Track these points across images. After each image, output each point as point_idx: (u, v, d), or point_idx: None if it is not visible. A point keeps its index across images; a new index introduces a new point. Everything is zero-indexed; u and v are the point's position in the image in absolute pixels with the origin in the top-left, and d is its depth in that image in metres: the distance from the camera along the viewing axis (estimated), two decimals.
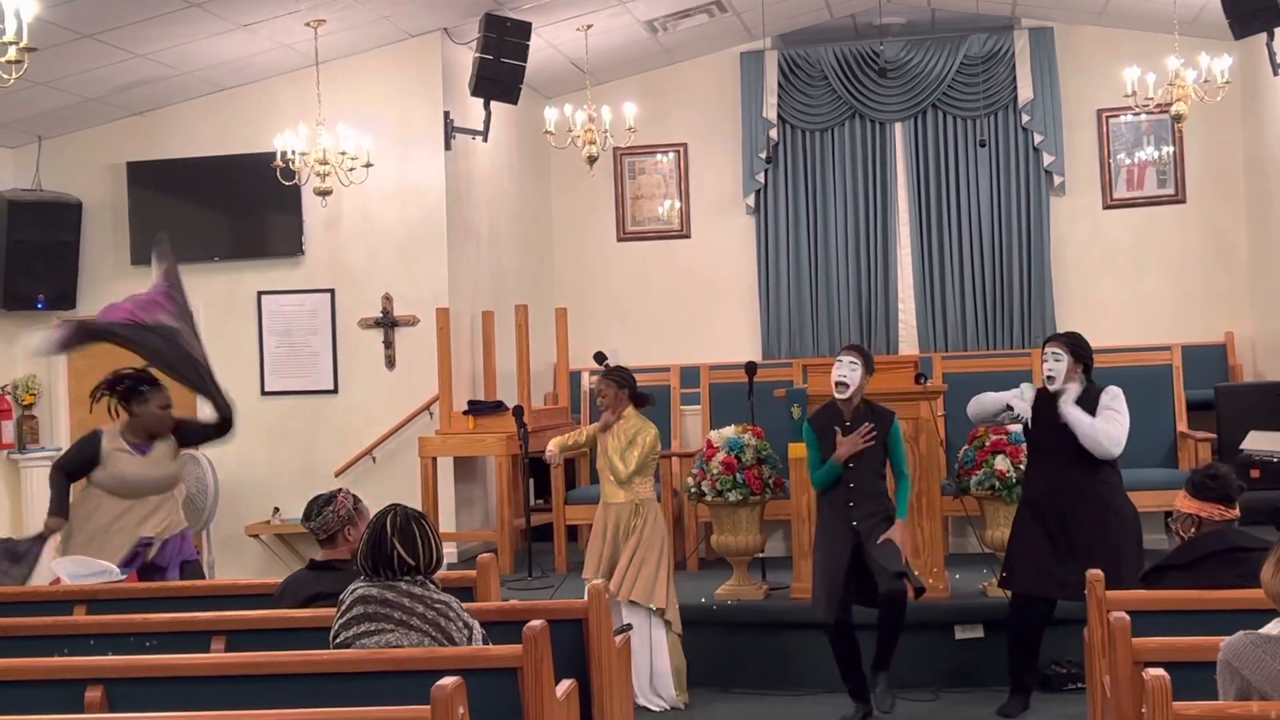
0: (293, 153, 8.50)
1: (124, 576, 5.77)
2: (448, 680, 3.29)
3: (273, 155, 8.58)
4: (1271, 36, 8.73)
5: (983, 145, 10.88)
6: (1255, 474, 7.52)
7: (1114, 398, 6.09)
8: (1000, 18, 10.97)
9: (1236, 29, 8.63)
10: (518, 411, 8.47)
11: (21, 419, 9.65)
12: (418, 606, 3.94)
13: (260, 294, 9.56)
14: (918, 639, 6.47)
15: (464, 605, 4.07)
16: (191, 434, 6.51)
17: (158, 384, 6.30)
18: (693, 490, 7.43)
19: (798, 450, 7.08)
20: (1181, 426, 8.39)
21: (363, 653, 3.88)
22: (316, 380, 9.50)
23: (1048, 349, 6.20)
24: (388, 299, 9.37)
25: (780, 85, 11.22)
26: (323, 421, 9.44)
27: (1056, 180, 10.93)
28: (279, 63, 9.19)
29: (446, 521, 8.98)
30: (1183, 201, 10.86)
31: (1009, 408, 6.22)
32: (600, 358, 8.08)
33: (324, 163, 8.52)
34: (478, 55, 8.88)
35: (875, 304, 11.13)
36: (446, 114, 9.32)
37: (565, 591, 7.54)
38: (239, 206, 9.51)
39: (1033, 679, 6.38)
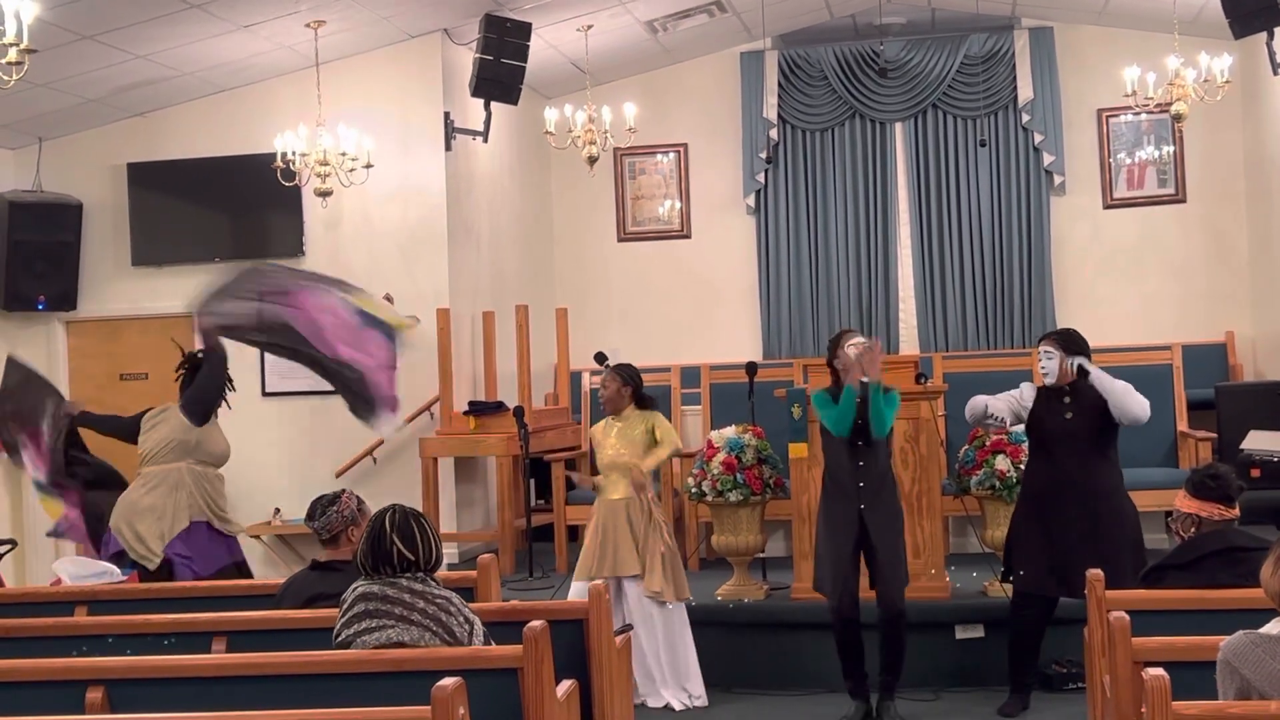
0: (293, 153, 8.51)
1: (125, 577, 5.78)
2: (448, 681, 3.30)
3: (273, 156, 8.59)
4: (1271, 36, 8.73)
5: (983, 145, 10.88)
6: (1255, 473, 7.52)
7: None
8: (1000, 17, 10.98)
9: (1236, 28, 8.63)
10: (518, 412, 8.47)
11: None
12: (419, 602, 3.96)
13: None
14: (918, 639, 6.47)
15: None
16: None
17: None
18: (693, 490, 7.43)
19: (798, 450, 7.09)
20: (1182, 426, 8.39)
21: (363, 653, 3.89)
22: (317, 381, 9.43)
23: (1040, 348, 6.20)
24: (388, 299, 9.36)
25: (780, 85, 11.23)
26: (323, 422, 9.43)
27: (1057, 180, 10.94)
28: (279, 64, 9.20)
29: (447, 522, 8.98)
30: (1183, 201, 10.86)
31: (990, 415, 6.19)
32: (601, 358, 8.08)
33: (324, 163, 8.52)
34: (478, 56, 8.89)
35: (875, 304, 11.13)
36: (447, 115, 9.32)
37: (566, 592, 7.54)
38: (239, 207, 9.51)
39: (1033, 678, 6.38)
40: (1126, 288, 10.85)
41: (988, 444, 7.10)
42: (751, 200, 11.31)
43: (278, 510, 9.19)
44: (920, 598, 6.61)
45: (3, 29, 5.39)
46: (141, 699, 3.81)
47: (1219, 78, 8.76)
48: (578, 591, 6.43)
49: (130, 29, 8.00)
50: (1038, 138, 10.90)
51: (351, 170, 8.67)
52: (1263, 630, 3.28)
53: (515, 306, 9.43)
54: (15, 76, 5.47)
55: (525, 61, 8.99)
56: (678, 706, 6.58)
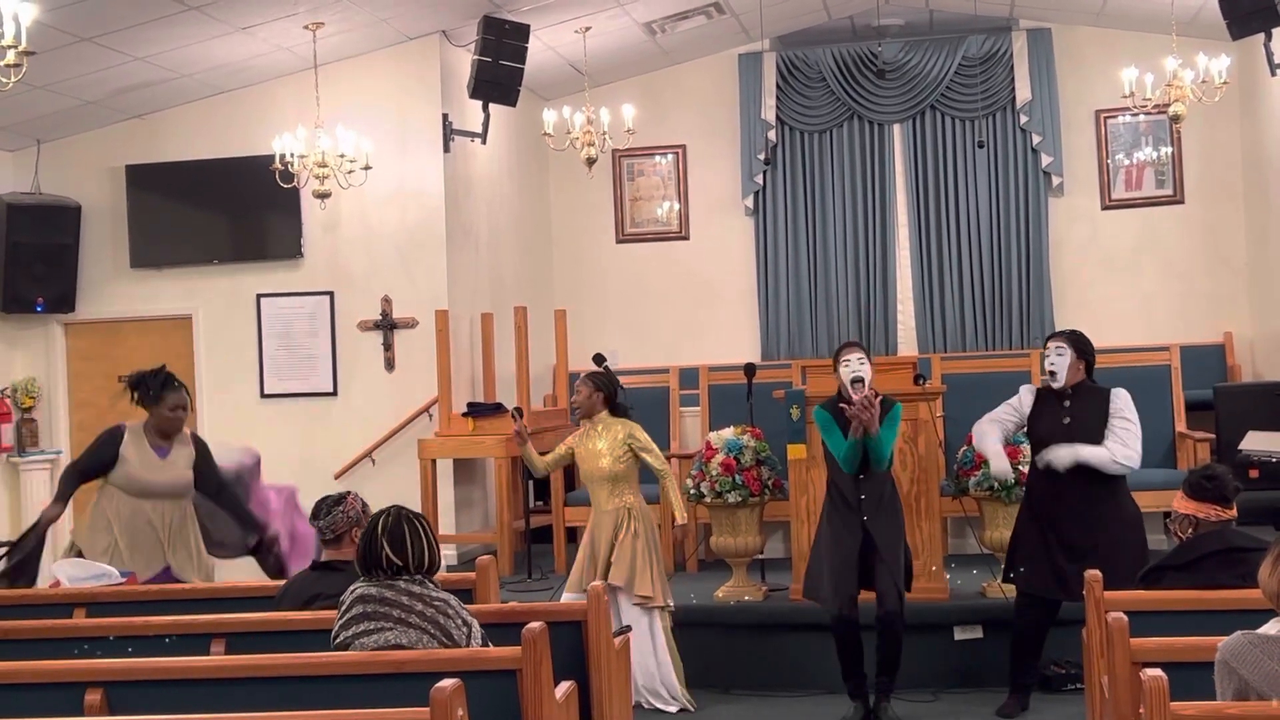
0: (291, 155, 8.51)
1: (123, 580, 5.78)
2: (447, 682, 3.30)
3: (271, 158, 8.59)
4: (1269, 37, 8.75)
5: (981, 146, 10.89)
6: (1254, 474, 7.51)
7: (1124, 405, 6.06)
8: (998, 19, 10.98)
9: (1234, 29, 8.64)
10: (517, 413, 8.46)
11: (21, 422, 9.66)
12: (416, 604, 3.96)
13: (259, 296, 9.56)
14: (917, 640, 6.46)
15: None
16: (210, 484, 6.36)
17: (175, 386, 6.27)
18: (692, 492, 7.43)
19: (797, 451, 7.09)
20: (1180, 427, 8.40)
21: (362, 655, 3.89)
22: (316, 383, 9.51)
23: (1050, 344, 6.18)
24: (387, 301, 9.38)
25: (779, 87, 11.23)
26: (322, 424, 9.44)
27: (1055, 181, 10.94)
28: (277, 65, 9.20)
29: (446, 524, 8.98)
30: (1181, 202, 10.87)
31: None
32: (600, 359, 8.10)
33: (323, 165, 8.52)
34: (476, 57, 8.90)
35: (874, 305, 11.14)
36: (445, 116, 9.33)
37: (562, 596, 7.54)
38: (238, 209, 9.52)
39: (1032, 679, 6.38)
40: (1125, 288, 10.85)
41: None
42: (750, 201, 11.32)
43: None
44: (919, 599, 6.60)
45: (1, 31, 5.39)
46: (140, 701, 3.80)
47: (1217, 78, 8.77)
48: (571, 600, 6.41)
49: (128, 31, 8.01)
50: (1036, 139, 10.90)
51: (350, 172, 8.67)
52: (1260, 631, 3.28)
53: (514, 308, 9.44)
54: (14, 79, 5.47)
55: (523, 63, 8.99)
56: (668, 709, 6.57)
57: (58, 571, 5.85)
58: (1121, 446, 5.96)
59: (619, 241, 11.61)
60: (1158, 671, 3.21)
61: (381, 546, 3.99)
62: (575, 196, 11.49)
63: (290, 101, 9.20)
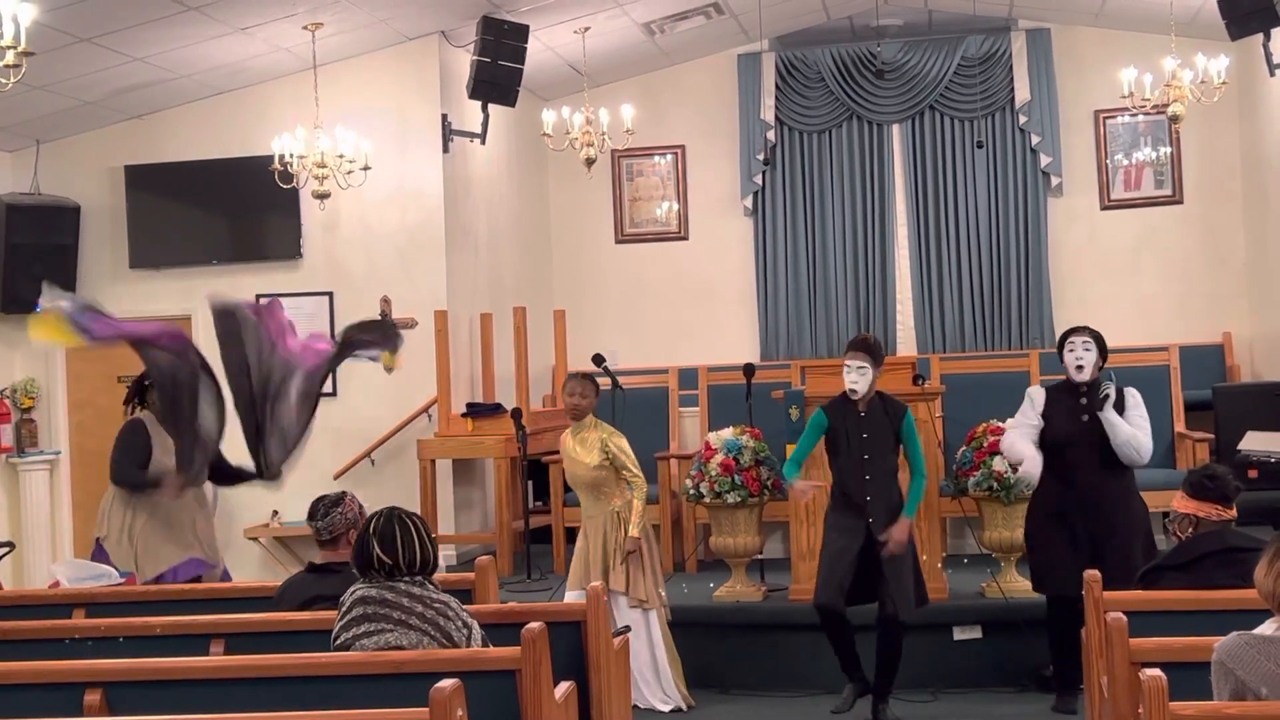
0: (291, 156, 8.51)
1: (123, 580, 5.78)
2: (446, 683, 3.30)
3: (271, 158, 8.59)
4: (1268, 37, 8.76)
5: (980, 146, 10.90)
6: (1253, 474, 7.50)
7: (1140, 403, 6.09)
8: (997, 19, 10.99)
9: (1233, 30, 8.65)
10: (516, 414, 8.48)
11: (20, 423, 9.65)
12: (416, 606, 3.96)
13: (259, 297, 9.53)
14: (916, 640, 6.46)
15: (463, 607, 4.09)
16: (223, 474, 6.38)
17: None
18: (691, 492, 7.43)
19: None
20: (1179, 427, 8.40)
21: (361, 655, 3.89)
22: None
23: (1076, 339, 6.13)
24: (386, 301, 9.37)
25: (778, 87, 11.24)
26: (321, 424, 9.37)
27: (1054, 181, 10.95)
28: (276, 66, 9.20)
29: (445, 524, 8.98)
30: (1180, 202, 10.87)
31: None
32: (599, 359, 8.09)
33: (322, 166, 8.53)
34: (475, 58, 8.90)
35: (873, 305, 11.14)
36: (444, 117, 9.33)
37: (563, 596, 7.53)
38: (237, 210, 9.51)
39: (1079, 674, 6.32)
40: (1124, 289, 10.85)
41: (985, 445, 7.10)
42: (749, 202, 11.32)
43: (275, 513, 9.18)
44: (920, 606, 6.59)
45: (1, 32, 5.40)
46: (140, 701, 3.81)
47: (1216, 79, 8.78)
48: (573, 600, 6.41)
49: (127, 31, 8.01)
50: (1035, 139, 10.91)
51: (349, 172, 8.67)
52: (1256, 631, 3.29)
53: (513, 308, 9.44)
54: (13, 79, 5.47)
55: (523, 63, 9.00)
56: (665, 709, 6.58)
57: (57, 572, 5.86)
58: (1145, 436, 6.01)
59: (618, 242, 11.62)
60: (1157, 671, 3.21)
61: (372, 547, 4.00)
62: (574, 197, 11.49)
63: (289, 102, 9.20)
